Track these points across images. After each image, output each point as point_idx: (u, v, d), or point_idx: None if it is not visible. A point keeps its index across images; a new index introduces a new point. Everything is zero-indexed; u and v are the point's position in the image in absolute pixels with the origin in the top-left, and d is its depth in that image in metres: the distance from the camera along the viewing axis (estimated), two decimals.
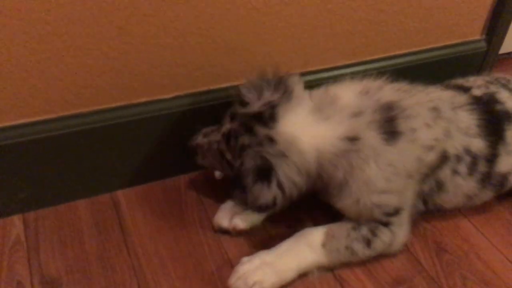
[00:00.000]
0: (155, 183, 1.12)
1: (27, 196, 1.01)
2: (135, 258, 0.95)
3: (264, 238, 1.00)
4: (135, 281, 0.91)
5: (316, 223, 0.97)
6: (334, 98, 0.91)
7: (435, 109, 0.94)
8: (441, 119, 0.93)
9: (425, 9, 1.19)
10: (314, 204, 1.00)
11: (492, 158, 0.98)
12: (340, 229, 0.93)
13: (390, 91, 0.94)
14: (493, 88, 1.05)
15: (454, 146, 0.94)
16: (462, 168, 0.96)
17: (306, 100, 0.91)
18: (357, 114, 0.88)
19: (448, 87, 1.06)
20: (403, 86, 0.97)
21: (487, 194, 1.02)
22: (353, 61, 1.19)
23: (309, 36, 1.10)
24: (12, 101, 0.92)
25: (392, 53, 1.23)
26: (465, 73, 1.33)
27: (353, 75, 1.16)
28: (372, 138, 0.87)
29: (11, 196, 1.00)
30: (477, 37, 1.32)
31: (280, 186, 0.86)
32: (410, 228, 0.97)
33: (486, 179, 0.99)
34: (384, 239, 0.93)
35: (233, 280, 0.87)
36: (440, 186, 0.96)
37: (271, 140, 0.86)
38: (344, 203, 0.92)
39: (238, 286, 0.86)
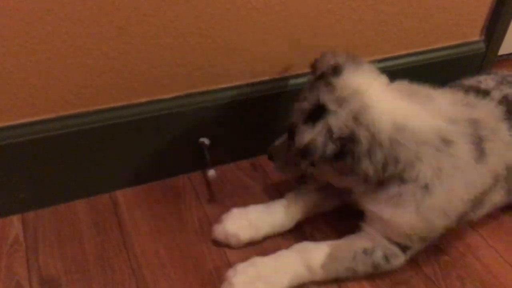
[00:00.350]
0: (155, 183, 1.12)
1: (26, 196, 1.01)
2: (134, 258, 0.95)
3: (266, 241, 1.00)
4: (134, 281, 0.91)
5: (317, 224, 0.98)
6: (429, 94, 0.87)
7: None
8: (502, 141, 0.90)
9: (425, 10, 1.19)
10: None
11: None
12: (347, 250, 0.89)
13: (482, 110, 0.91)
14: (506, 89, 0.98)
15: (502, 167, 0.91)
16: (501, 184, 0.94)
17: (382, 77, 0.86)
18: (453, 121, 0.84)
19: (469, 90, 0.98)
20: (463, 98, 0.94)
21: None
22: None
23: (309, 37, 1.10)
24: (12, 101, 0.92)
25: (391, 54, 1.23)
26: (464, 74, 1.34)
27: None
28: (466, 150, 0.83)
29: (10, 196, 1.00)
30: (476, 38, 1.33)
31: (329, 129, 0.78)
32: None
33: None
34: (396, 264, 0.89)
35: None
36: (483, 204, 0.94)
37: (330, 85, 0.80)
38: (405, 211, 0.84)
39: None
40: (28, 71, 0.89)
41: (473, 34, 1.32)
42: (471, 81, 1.05)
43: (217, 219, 0.99)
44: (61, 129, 0.97)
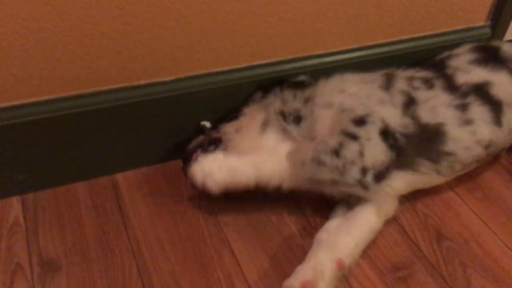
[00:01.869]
0: (155, 167, 1.11)
1: (26, 177, 1.01)
2: (134, 241, 0.95)
3: (265, 223, 0.99)
4: (134, 264, 0.90)
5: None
6: None
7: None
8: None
9: None
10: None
11: (445, 77, 1.05)
12: (306, 145, 0.95)
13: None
14: None
15: (397, 73, 1.08)
16: (417, 84, 1.03)
17: None
18: None
19: None
20: None
21: (479, 106, 1.01)
22: (356, 46, 1.17)
23: (312, 20, 1.08)
24: (10, 81, 0.90)
25: (395, 39, 1.21)
26: None
27: (356, 60, 1.17)
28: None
29: (10, 178, 0.99)
30: (482, 23, 1.30)
31: None
32: (386, 148, 0.94)
33: (454, 88, 1.03)
34: (352, 147, 0.91)
35: (193, 168, 0.93)
36: (409, 96, 1.01)
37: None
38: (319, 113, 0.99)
39: (196, 173, 0.92)
40: (27, 52, 0.88)
41: (479, 19, 1.30)
42: None
43: (219, 202, 0.99)
44: (60, 110, 0.96)
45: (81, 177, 1.06)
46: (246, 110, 1.07)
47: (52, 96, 0.95)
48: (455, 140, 0.99)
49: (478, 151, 1.01)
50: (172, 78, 1.02)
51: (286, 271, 0.89)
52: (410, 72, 1.09)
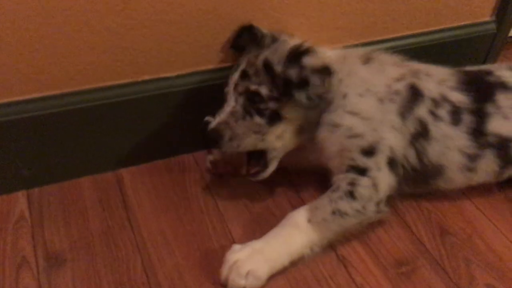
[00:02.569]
0: (159, 162, 1.11)
1: (31, 172, 1.01)
2: (139, 235, 0.95)
3: (269, 218, 1.00)
4: (138, 258, 0.91)
5: None
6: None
7: (403, 63, 1.02)
8: (409, 67, 1.01)
9: None
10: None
11: (479, 113, 0.96)
12: (321, 199, 0.92)
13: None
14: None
15: (427, 88, 0.97)
16: (443, 113, 0.95)
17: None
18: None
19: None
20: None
21: (490, 159, 0.98)
22: (361, 41, 1.17)
23: (318, 15, 1.08)
24: (16, 77, 0.91)
25: (401, 34, 1.21)
26: (473, 55, 1.33)
27: None
28: (353, 59, 0.99)
29: (16, 172, 1.00)
30: (487, 18, 1.30)
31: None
32: (394, 178, 0.94)
33: (479, 135, 0.96)
34: (365, 184, 0.91)
35: (225, 270, 0.85)
36: (424, 128, 0.95)
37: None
38: (326, 135, 0.94)
39: (233, 278, 0.84)
40: (33, 46, 0.88)
41: (484, 15, 1.29)
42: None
43: (223, 197, 1.00)
44: (65, 105, 0.97)
45: (85, 172, 1.06)
46: None
47: (57, 92, 0.96)
48: (448, 179, 0.99)
49: (465, 186, 1.03)
50: (177, 73, 1.03)
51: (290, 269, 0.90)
52: (445, 86, 0.98)
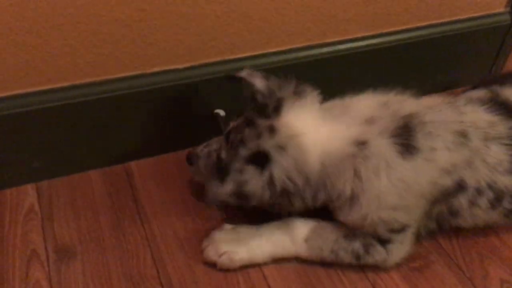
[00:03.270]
0: (168, 155, 1.11)
1: (40, 165, 1.01)
2: (149, 229, 0.94)
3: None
4: (148, 252, 0.90)
5: None
6: (348, 105, 0.85)
7: (462, 135, 0.84)
8: (466, 147, 0.84)
9: None
10: None
11: None
12: (330, 231, 0.87)
13: (412, 104, 0.86)
14: None
15: (476, 178, 0.85)
16: (483, 202, 0.87)
17: (316, 103, 0.85)
18: (370, 121, 0.81)
19: (494, 105, 0.90)
20: (430, 100, 0.89)
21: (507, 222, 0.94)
22: (372, 33, 1.15)
23: (327, 6, 1.06)
24: (24, 69, 0.90)
25: (412, 25, 1.19)
26: (486, 47, 1.31)
27: (371, 48, 1.15)
28: (383, 146, 0.79)
29: (24, 165, 1.00)
30: (501, 9, 1.28)
31: (271, 178, 0.79)
32: (411, 246, 0.90)
33: (509, 214, 0.90)
34: (377, 258, 0.86)
35: (205, 243, 0.89)
36: (453, 213, 0.89)
37: (272, 129, 0.80)
38: (350, 218, 0.84)
39: (209, 251, 0.87)
40: (42, 38, 0.88)
41: (498, 5, 1.27)
42: None
43: None
44: (74, 98, 0.96)
45: (95, 165, 1.06)
46: None
47: (67, 84, 0.95)
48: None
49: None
50: (187, 65, 1.02)
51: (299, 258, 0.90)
52: (497, 172, 0.86)
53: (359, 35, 1.14)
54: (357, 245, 0.86)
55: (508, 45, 1.32)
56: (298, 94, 0.84)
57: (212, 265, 0.88)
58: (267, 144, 0.80)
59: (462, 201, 0.86)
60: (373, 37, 1.15)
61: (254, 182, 0.80)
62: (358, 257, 0.87)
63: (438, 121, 0.83)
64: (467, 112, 0.88)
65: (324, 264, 0.89)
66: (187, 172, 1.06)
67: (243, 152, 0.81)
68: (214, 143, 0.94)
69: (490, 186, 0.86)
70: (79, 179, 1.04)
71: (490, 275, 0.89)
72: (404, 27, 1.18)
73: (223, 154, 0.85)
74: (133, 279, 0.86)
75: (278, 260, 0.89)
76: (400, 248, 0.88)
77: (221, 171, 0.84)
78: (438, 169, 0.82)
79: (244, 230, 0.90)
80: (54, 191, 1.01)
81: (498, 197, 0.87)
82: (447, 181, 0.84)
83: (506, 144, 0.86)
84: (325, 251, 0.87)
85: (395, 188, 0.80)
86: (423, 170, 0.81)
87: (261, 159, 0.80)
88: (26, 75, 0.91)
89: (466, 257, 0.92)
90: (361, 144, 0.79)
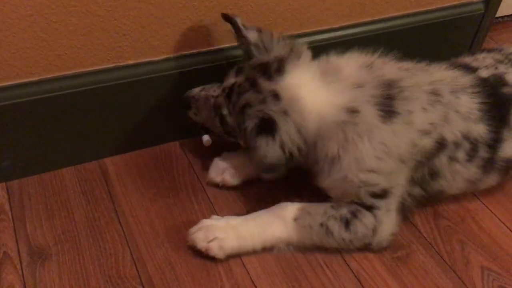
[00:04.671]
0: (144, 150, 1.07)
1: (9, 164, 0.96)
2: (127, 227, 0.91)
3: (261, 209, 0.97)
4: (127, 251, 0.87)
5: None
6: (337, 67, 0.89)
7: (435, 93, 0.89)
8: (440, 104, 0.89)
9: None
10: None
11: (494, 143, 0.93)
12: (317, 207, 0.89)
13: (392, 69, 0.91)
14: (502, 69, 0.99)
15: (453, 132, 0.89)
16: (461, 155, 0.91)
17: (313, 64, 0.90)
18: (359, 86, 0.86)
19: (454, 65, 0.98)
20: (406, 64, 0.94)
21: (492, 179, 0.98)
22: (349, 23, 1.14)
23: None
24: None
25: (389, 15, 1.19)
26: (461, 37, 1.32)
27: (350, 38, 1.14)
28: (370, 113, 0.84)
29: None
30: None
31: (281, 144, 0.83)
32: (399, 218, 0.91)
33: (488, 164, 0.94)
34: (366, 222, 0.87)
35: (194, 229, 0.87)
36: (434, 174, 0.91)
37: (276, 96, 0.83)
38: (332, 179, 0.88)
39: (197, 237, 0.86)
40: (9, 30, 0.83)
41: None
42: (469, 59, 1.05)
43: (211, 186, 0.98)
44: (44, 93, 0.92)
45: (67, 163, 1.02)
46: None
47: (35, 78, 0.91)
48: (448, 194, 0.98)
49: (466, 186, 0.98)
50: (162, 57, 0.98)
51: (282, 252, 0.88)
52: (471, 121, 0.90)
53: (336, 25, 1.13)
54: (344, 211, 0.87)
55: (482, 33, 1.33)
56: (296, 53, 0.88)
57: (197, 254, 0.87)
58: (273, 110, 0.83)
59: (442, 158, 0.90)
60: (350, 27, 1.14)
61: (272, 152, 0.83)
62: (347, 222, 0.87)
63: (413, 85, 0.89)
64: (433, 71, 0.95)
65: (315, 248, 0.89)
66: (165, 167, 1.04)
67: (251, 123, 0.83)
68: (211, 89, 0.95)
69: (465, 137, 0.90)
70: (51, 178, 1.00)
71: (471, 263, 0.90)
72: (381, 17, 1.18)
73: (224, 111, 0.90)
74: (112, 279, 0.83)
75: (265, 251, 0.88)
76: (387, 216, 0.88)
77: (229, 134, 0.93)
78: (417, 130, 0.87)
79: (234, 218, 0.89)
80: (25, 190, 0.96)
81: (474, 147, 0.91)
82: (428, 142, 0.88)
83: (472, 93, 0.92)
84: (314, 227, 0.87)
85: (374, 151, 0.84)
86: (402, 132, 0.86)
87: (269, 127, 0.82)
88: None
89: (447, 245, 0.93)
90: (352, 112, 0.85)
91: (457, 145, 0.90)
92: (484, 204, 1.01)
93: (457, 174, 0.93)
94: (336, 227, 0.86)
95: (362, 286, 0.86)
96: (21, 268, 0.83)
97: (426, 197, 0.95)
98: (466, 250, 0.92)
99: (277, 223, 0.87)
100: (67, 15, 0.86)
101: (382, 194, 0.87)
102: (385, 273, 0.88)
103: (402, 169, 0.88)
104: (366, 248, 0.90)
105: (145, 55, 0.97)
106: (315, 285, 0.85)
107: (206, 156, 1.05)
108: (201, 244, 0.85)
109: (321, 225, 0.86)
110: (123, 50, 0.94)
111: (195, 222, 0.91)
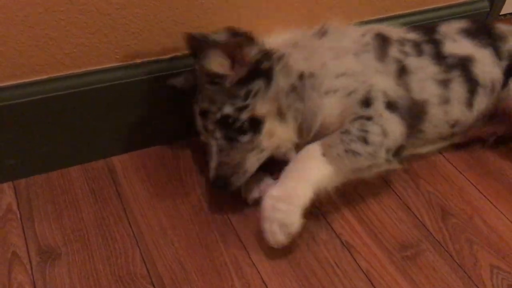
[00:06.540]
0: (152, 149, 1.07)
1: (17, 162, 0.96)
2: (136, 226, 0.91)
3: None
4: (137, 250, 0.87)
5: None
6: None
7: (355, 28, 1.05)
8: (362, 28, 1.04)
9: None
10: None
11: (433, 42, 1.04)
12: (332, 138, 0.91)
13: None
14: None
15: (389, 33, 1.02)
16: (408, 49, 1.01)
17: None
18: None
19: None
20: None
21: (459, 84, 1.02)
22: (356, 21, 1.14)
23: None
24: None
25: (395, 13, 1.19)
26: None
27: None
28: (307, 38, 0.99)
29: (0, 163, 0.94)
30: None
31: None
32: (399, 120, 0.93)
33: (440, 58, 1.02)
34: (374, 130, 0.90)
35: (266, 223, 0.84)
36: (401, 64, 0.99)
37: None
38: (321, 101, 0.93)
39: (274, 235, 0.84)
40: (16, 28, 0.82)
41: None
42: None
43: None
44: (52, 91, 0.91)
45: (74, 161, 1.01)
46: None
47: (44, 76, 0.90)
48: (430, 118, 1.01)
49: (444, 129, 1.04)
50: (170, 55, 0.98)
51: (292, 252, 0.88)
52: (401, 33, 1.06)
53: (344, 22, 1.12)
54: (355, 131, 0.90)
55: None
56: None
57: (207, 253, 0.86)
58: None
59: (395, 50, 1.01)
60: (357, 24, 1.14)
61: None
62: (363, 138, 0.90)
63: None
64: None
65: (351, 179, 0.91)
66: (172, 166, 1.04)
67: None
68: (213, 148, 0.92)
69: (404, 39, 1.04)
70: (59, 176, 0.99)
71: (480, 262, 0.90)
72: (387, 15, 1.18)
73: (228, 108, 0.89)
74: (122, 279, 0.83)
75: (272, 252, 0.88)
76: (385, 121, 0.92)
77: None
78: (354, 36, 1.01)
79: (273, 191, 0.86)
80: (33, 189, 0.96)
81: (416, 44, 1.03)
82: (367, 38, 1.01)
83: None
84: (341, 154, 0.88)
85: (330, 54, 0.97)
86: (342, 38, 1.00)
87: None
88: None
89: (456, 244, 0.93)
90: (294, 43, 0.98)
91: (400, 42, 1.02)
92: (492, 203, 1.01)
93: (420, 69, 1.00)
94: (359, 147, 0.89)
95: (372, 285, 0.86)
96: (31, 268, 0.83)
97: (413, 110, 0.98)
98: (474, 249, 0.92)
99: (312, 163, 0.88)
100: (75, 13, 0.85)
101: (367, 101, 0.93)
102: (395, 272, 0.88)
103: (365, 64, 0.97)
104: (388, 161, 0.92)
105: (153, 53, 0.96)
106: (326, 285, 0.85)
107: None
108: (282, 239, 0.84)
109: (346, 151, 0.89)
110: (131, 49, 0.94)
111: (203, 221, 0.91)
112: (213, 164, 0.90)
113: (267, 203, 0.85)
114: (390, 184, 1.03)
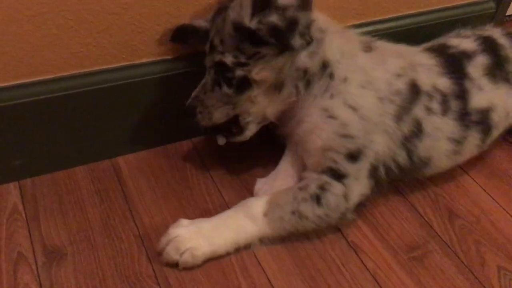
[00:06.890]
0: (157, 149, 1.07)
1: (23, 162, 0.95)
2: (141, 226, 0.91)
3: None
4: (143, 250, 0.87)
5: None
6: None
7: (398, 54, 0.98)
8: (403, 57, 0.96)
9: None
10: None
11: (462, 94, 0.97)
12: (285, 194, 0.88)
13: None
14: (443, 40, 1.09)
15: (423, 81, 0.94)
16: (435, 105, 0.94)
17: None
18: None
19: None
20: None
21: (474, 137, 0.99)
22: (362, 21, 1.14)
23: None
24: (6, 61, 0.85)
25: (401, 13, 1.18)
26: None
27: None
28: (354, 41, 0.95)
29: (6, 163, 0.94)
30: None
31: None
32: (371, 183, 0.91)
33: (464, 116, 0.96)
34: (336, 191, 0.87)
35: (163, 243, 0.84)
36: (419, 127, 0.92)
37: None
38: (316, 119, 0.89)
39: (168, 251, 0.83)
40: (23, 27, 0.82)
41: None
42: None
43: (225, 185, 0.98)
44: (59, 91, 0.91)
45: (80, 161, 1.01)
46: None
47: (50, 76, 0.90)
48: (437, 167, 0.99)
49: (449, 164, 1.01)
50: (176, 55, 0.98)
51: (298, 251, 0.88)
52: (433, 73, 0.97)
53: (349, 23, 1.12)
54: (313, 188, 0.87)
55: None
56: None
57: (212, 264, 0.86)
58: None
59: (421, 107, 0.93)
60: (363, 25, 1.14)
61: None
62: (318, 199, 0.87)
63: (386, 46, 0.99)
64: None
65: (289, 238, 0.89)
66: (177, 166, 1.03)
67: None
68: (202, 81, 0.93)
69: (435, 89, 0.95)
70: (64, 176, 0.99)
71: (488, 263, 0.90)
72: (393, 15, 1.17)
73: (229, 58, 0.86)
74: (128, 279, 0.82)
75: (277, 252, 0.88)
76: (356, 185, 0.89)
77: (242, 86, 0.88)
78: (391, 72, 0.93)
79: (202, 222, 0.87)
80: (38, 189, 0.96)
81: (444, 99, 0.95)
82: (400, 84, 0.92)
83: (425, 53, 1.02)
84: (285, 217, 0.86)
85: (359, 76, 0.91)
86: (378, 67, 0.93)
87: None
88: (5, 67, 0.86)
89: (463, 245, 0.92)
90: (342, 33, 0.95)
91: (430, 96, 0.94)
92: (500, 205, 1.01)
93: (438, 130, 0.94)
94: (309, 209, 0.86)
95: (379, 285, 0.85)
96: (37, 268, 0.83)
97: (410, 167, 0.95)
98: (482, 250, 0.92)
99: (248, 223, 0.86)
100: (82, 12, 0.85)
101: (356, 155, 0.88)
102: (401, 273, 0.87)
103: (381, 117, 0.89)
104: (342, 219, 0.89)
105: (160, 53, 0.96)
106: (332, 285, 0.85)
107: (219, 155, 1.05)
108: (174, 257, 0.83)
109: (293, 212, 0.86)
110: (138, 48, 0.94)
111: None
112: (193, 93, 0.93)
113: (190, 229, 0.85)
114: (396, 185, 1.03)
